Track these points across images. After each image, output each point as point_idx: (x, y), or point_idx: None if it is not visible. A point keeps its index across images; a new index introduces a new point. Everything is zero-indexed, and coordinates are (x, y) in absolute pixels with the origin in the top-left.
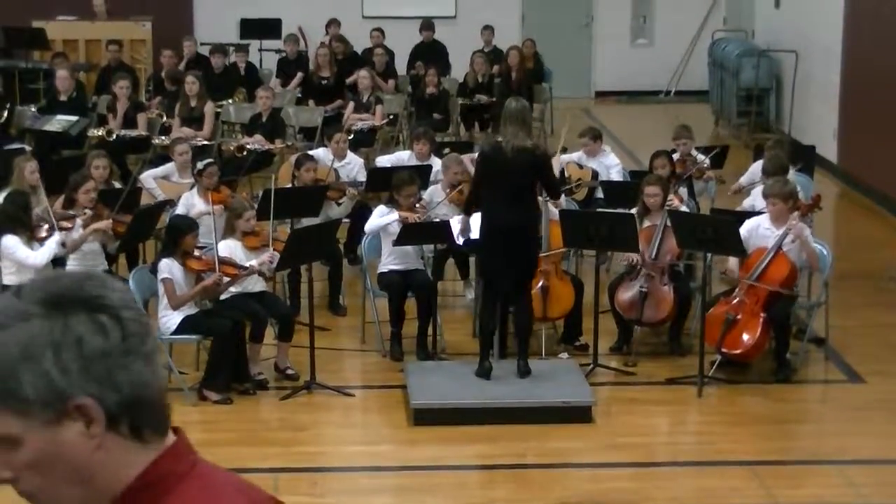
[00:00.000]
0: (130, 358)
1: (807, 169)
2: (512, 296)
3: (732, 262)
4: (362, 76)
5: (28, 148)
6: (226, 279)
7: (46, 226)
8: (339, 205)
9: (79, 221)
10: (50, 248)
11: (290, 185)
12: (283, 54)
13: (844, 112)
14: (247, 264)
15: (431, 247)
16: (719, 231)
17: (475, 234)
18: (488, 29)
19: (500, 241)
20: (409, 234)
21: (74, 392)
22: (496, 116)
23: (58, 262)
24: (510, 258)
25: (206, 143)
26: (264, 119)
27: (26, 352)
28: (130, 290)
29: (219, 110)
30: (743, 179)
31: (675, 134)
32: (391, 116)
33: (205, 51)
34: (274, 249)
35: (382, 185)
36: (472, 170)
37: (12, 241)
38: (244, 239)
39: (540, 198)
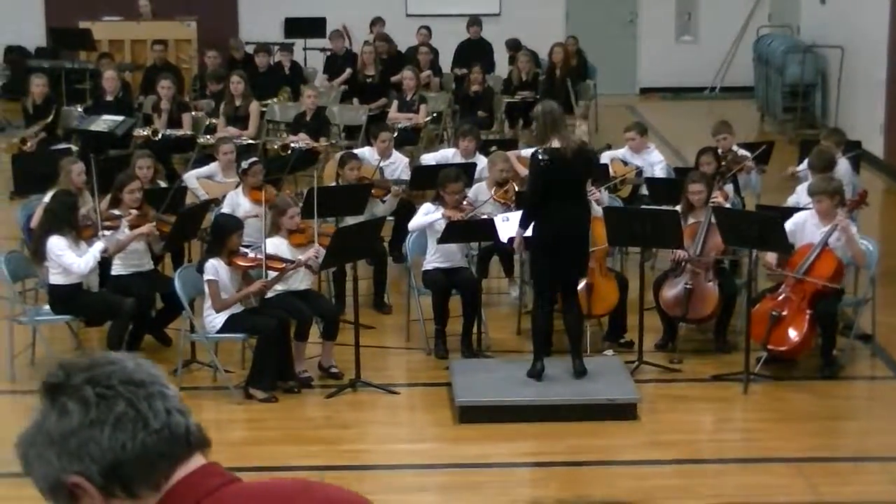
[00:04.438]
0: (97, 429)
1: (854, 164)
2: (561, 296)
3: (770, 255)
4: (407, 76)
5: (74, 148)
6: (273, 275)
7: (92, 226)
8: (383, 202)
9: (124, 221)
10: (93, 255)
11: (334, 184)
12: (330, 52)
13: (891, 107)
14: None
15: (476, 244)
16: (764, 228)
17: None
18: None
19: (565, 244)
20: (454, 231)
21: (63, 474)
22: None
23: (103, 263)
24: (571, 260)
25: (251, 142)
26: (309, 118)
27: (25, 447)
28: (142, 366)
29: (264, 109)
30: (799, 167)
31: (715, 130)
32: (435, 115)
33: (249, 50)
34: (319, 244)
35: (427, 182)
36: (518, 167)
37: (59, 243)
38: (290, 237)
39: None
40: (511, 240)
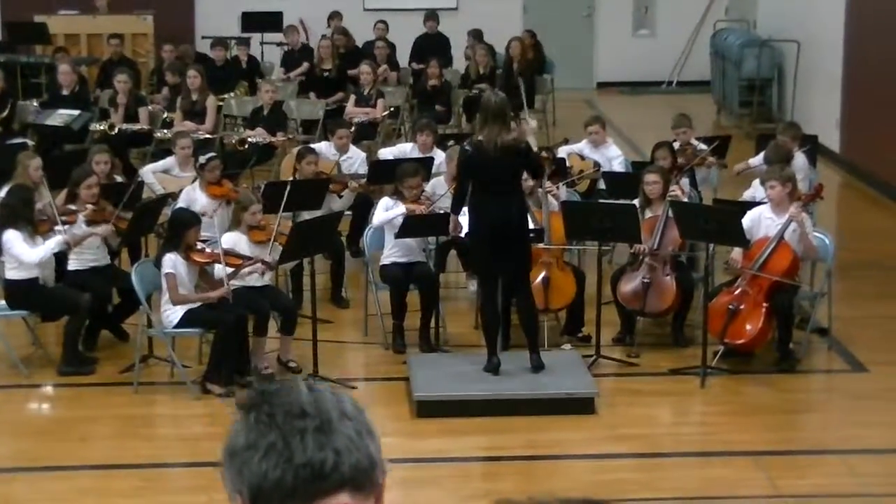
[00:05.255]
0: (251, 453)
1: (810, 158)
2: (511, 290)
3: (736, 252)
4: (364, 70)
5: (30, 143)
6: (230, 270)
7: (48, 221)
8: (340, 197)
9: (81, 217)
10: (49, 246)
11: (291, 178)
12: (287, 47)
13: (847, 101)
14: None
15: (433, 239)
16: (721, 222)
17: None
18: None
19: (490, 237)
20: (412, 226)
21: (230, 488)
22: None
23: (60, 258)
24: (503, 254)
25: (208, 136)
26: (266, 112)
27: (222, 455)
28: (343, 401)
29: (221, 104)
30: (752, 160)
31: (675, 123)
32: (392, 109)
33: (206, 44)
34: (279, 243)
35: (385, 177)
36: None
37: (13, 237)
38: (250, 233)
39: (540, 190)
40: (468, 234)
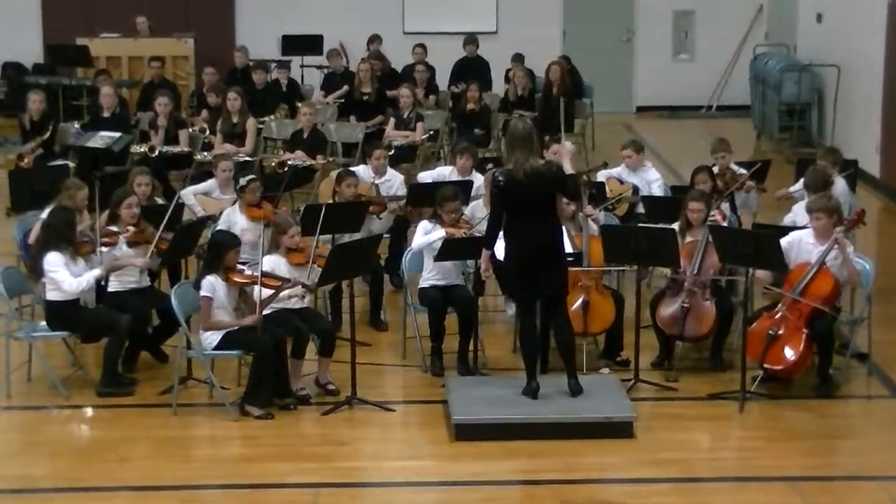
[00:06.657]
0: None
1: (850, 183)
2: (548, 314)
3: (761, 271)
4: (403, 93)
5: (71, 164)
6: (268, 292)
7: (89, 242)
8: (380, 219)
9: (122, 238)
10: (87, 280)
11: (331, 201)
12: (328, 70)
13: (887, 126)
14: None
15: (472, 262)
16: (761, 246)
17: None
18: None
19: (527, 264)
20: (451, 249)
21: None
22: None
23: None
24: (538, 279)
25: (247, 158)
26: (305, 135)
27: None
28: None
29: (260, 126)
30: (792, 188)
31: (714, 147)
32: (431, 132)
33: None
34: (317, 266)
35: (424, 200)
36: None
37: (56, 260)
38: (288, 255)
39: (581, 214)
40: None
